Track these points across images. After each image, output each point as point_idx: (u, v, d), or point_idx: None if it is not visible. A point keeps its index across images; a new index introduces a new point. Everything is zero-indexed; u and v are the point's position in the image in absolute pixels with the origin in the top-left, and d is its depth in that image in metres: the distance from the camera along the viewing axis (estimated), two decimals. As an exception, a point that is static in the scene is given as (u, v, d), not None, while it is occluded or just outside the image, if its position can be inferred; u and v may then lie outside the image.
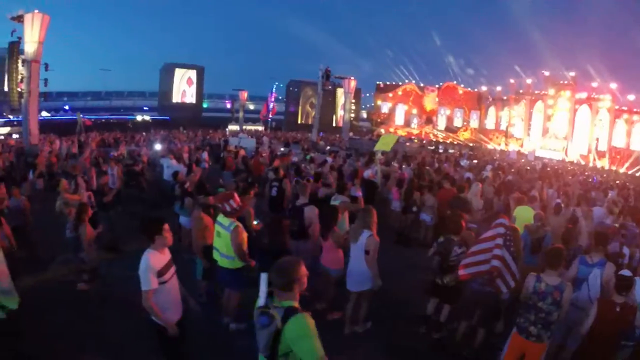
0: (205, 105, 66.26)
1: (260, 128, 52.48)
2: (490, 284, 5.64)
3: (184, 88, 59.90)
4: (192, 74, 59.77)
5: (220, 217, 6.31)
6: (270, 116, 55.20)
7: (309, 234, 7.57)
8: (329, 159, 17.81)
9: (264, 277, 3.36)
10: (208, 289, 7.23)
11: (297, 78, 59.23)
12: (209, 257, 6.64)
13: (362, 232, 6.34)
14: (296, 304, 3.38)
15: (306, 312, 3.32)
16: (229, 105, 63.08)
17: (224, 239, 6.18)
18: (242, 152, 19.28)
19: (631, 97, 40.00)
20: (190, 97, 60.29)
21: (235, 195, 6.45)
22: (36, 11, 21.34)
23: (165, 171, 14.01)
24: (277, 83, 58.20)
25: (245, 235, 6.26)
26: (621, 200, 13.11)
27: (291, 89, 59.90)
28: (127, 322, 6.03)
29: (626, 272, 5.17)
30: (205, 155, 18.56)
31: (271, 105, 52.77)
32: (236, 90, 51.27)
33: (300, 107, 58.99)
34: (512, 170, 20.70)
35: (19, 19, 21.64)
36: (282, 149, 24.23)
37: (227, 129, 48.25)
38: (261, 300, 3.35)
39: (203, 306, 5.84)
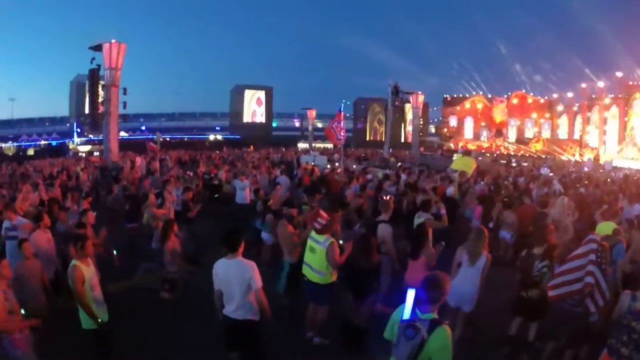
0: (274, 125, 68.56)
1: (330, 146, 53.21)
2: (580, 304, 5.44)
3: (254, 108, 62.43)
4: (262, 94, 62.16)
5: (314, 234, 6.42)
6: (342, 135, 56.01)
7: (381, 251, 7.19)
8: (403, 176, 17.69)
9: (411, 292, 3.57)
10: (290, 304, 7.32)
11: (365, 95, 60.45)
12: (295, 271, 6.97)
13: (481, 254, 6.23)
14: (437, 317, 3.63)
15: (446, 323, 3.59)
16: (297, 124, 65.13)
17: (319, 254, 6.26)
18: (317, 170, 19.14)
19: None
20: (260, 117, 62.71)
21: (321, 212, 6.50)
22: (113, 41, 23.57)
23: (237, 193, 13.72)
24: (344, 101, 59.33)
25: (339, 251, 6.29)
26: None
27: (359, 106, 61.00)
28: (207, 329, 6.33)
29: None
30: (280, 174, 18.18)
31: (342, 124, 53.50)
32: (305, 109, 52.92)
33: (368, 124, 59.96)
34: (586, 182, 19.91)
35: (97, 48, 23.90)
36: (355, 166, 24.38)
37: (298, 147, 49.28)
38: (408, 314, 3.56)
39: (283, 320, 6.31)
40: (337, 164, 24.33)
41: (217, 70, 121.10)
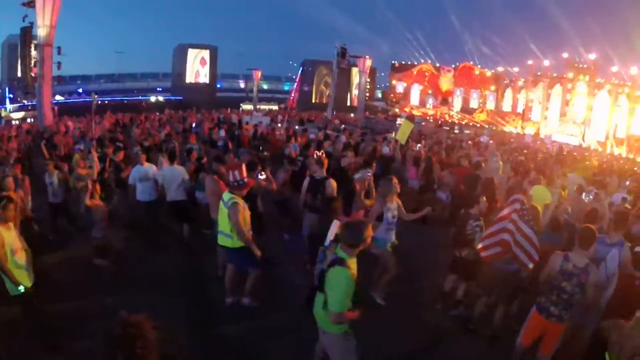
0: (218, 86, 66.09)
1: (275, 107, 52.24)
2: (515, 260, 5.57)
3: (197, 68, 59.18)
4: (206, 54, 59.00)
5: (225, 193, 6.10)
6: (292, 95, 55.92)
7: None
8: (343, 137, 17.91)
9: (335, 223, 4.22)
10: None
11: (312, 57, 58.82)
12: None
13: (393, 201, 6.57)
14: (349, 260, 3.99)
15: (350, 269, 3.93)
16: (242, 85, 63.17)
17: (223, 215, 5.99)
18: (261, 128, 19.34)
19: None
20: (204, 78, 59.73)
21: (244, 167, 6.23)
22: (47, -5, 21.49)
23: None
24: (290, 62, 58.23)
25: (247, 214, 6.03)
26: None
27: (305, 68, 59.43)
28: (143, 297, 6.04)
29: None
30: (222, 133, 18.46)
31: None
32: (250, 69, 51.14)
33: (314, 87, 58.24)
34: (525, 152, 21.08)
35: (30, 4, 22.05)
36: (296, 127, 24.48)
37: (240, 109, 48.08)
38: (326, 241, 4.21)
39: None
40: (279, 124, 24.37)
41: (161, 28, 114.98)
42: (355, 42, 67.04)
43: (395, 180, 6.81)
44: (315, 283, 4.20)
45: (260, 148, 14.96)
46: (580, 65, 41.51)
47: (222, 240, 6.13)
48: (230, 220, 5.86)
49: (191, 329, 5.98)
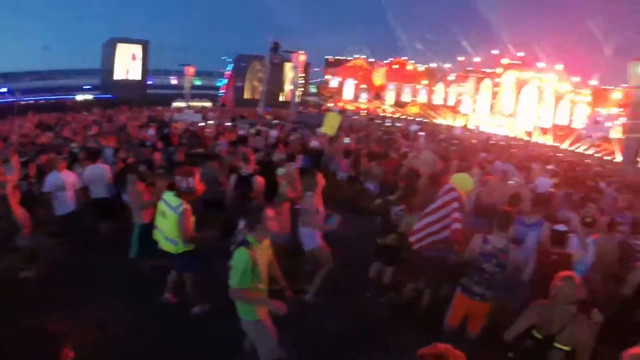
0: (150, 82, 63.52)
1: (208, 104, 50.94)
2: (446, 248, 5.83)
3: (127, 64, 56.32)
4: (137, 49, 56.12)
5: (168, 195, 5.81)
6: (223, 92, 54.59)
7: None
8: (275, 132, 17.82)
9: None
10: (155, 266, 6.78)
11: (246, 52, 57.58)
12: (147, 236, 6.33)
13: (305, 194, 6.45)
14: (254, 243, 4.26)
15: (252, 251, 4.18)
16: (175, 82, 60.95)
17: (170, 220, 5.70)
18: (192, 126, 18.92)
19: (575, 79, 41.49)
20: (135, 74, 57.10)
21: (197, 174, 6.03)
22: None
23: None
24: (224, 57, 56.94)
25: (193, 219, 5.85)
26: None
27: (239, 64, 58.12)
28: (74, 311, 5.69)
29: (561, 227, 5.50)
30: (151, 132, 17.55)
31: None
32: (182, 65, 49.54)
33: (247, 82, 57.07)
34: (455, 142, 21.73)
35: None
36: (227, 124, 23.74)
37: (172, 106, 46.19)
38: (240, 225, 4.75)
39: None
40: (210, 122, 23.63)
41: (91, 22, 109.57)
42: (291, 37, 66.37)
43: (318, 174, 6.68)
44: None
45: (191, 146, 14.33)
46: (509, 62, 44.32)
47: (166, 246, 5.85)
48: (180, 227, 5.65)
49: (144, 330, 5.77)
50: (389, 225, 6.77)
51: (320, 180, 6.54)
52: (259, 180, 7.51)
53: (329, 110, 38.58)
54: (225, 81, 56.45)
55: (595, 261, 5.81)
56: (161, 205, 5.82)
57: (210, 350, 5.45)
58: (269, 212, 4.35)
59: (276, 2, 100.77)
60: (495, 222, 5.28)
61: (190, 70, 48.01)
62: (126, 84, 54.65)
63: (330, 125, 13.75)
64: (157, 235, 5.91)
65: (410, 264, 6.64)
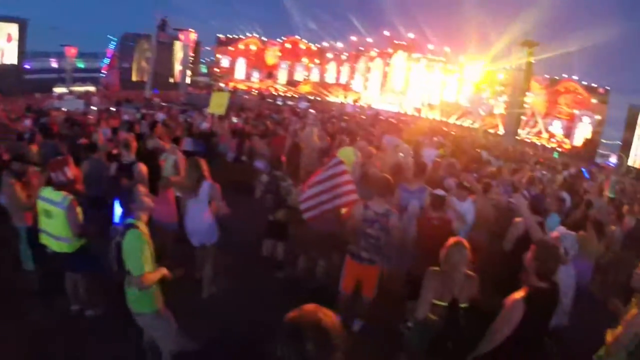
0: (27, 67, 57.47)
1: (92, 88, 47.28)
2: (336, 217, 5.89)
3: (2, 46, 49.90)
4: (12, 28, 49.08)
5: (47, 192, 5.18)
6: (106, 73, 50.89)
7: None
8: (161, 115, 17.13)
9: (117, 203, 4.36)
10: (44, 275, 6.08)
11: (134, 31, 54.10)
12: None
13: (201, 183, 5.96)
14: (138, 223, 4.03)
15: (141, 230, 3.98)
16: (55, 65, 56.18)
17: (57, 217, 5.09)
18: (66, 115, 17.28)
19: (461, 58, 45.91)
20: (11, 57, 50.35)
21: (71, 162, 5.56)
22: None
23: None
24: (109, 36, 53.35)
25: (80, 210, 5.27)
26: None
27: (125, 43, 54.39)
28: None
29: (439, 192, 5.82)
30: (28, 122, 15.92)
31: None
32: (63, 46, 45.76)
33: (135, 63, 53.51)
34: (346, 118, 22.60)
35: None
36: (111, 109, 22.31)
37: (53, 93, 42.34)
38: (117, 219, 4.33)
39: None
40: (94, 107, 22.41)
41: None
42: (180, 15, 63.68)
43: (201, 160, 6.26)
44: (115, 266, 4.08)
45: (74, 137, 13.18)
46: (400, 42, 47.51)
47: (59, 247, 5.20)
48: (69, 221, 5.07)
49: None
50: (279, 201, 6.77)
51: (203, 165, 6.17)
52: (142, 168, 6.89)
53: (220, 90, 37.92)
54: (107, 61, 52.54)
55: (475, 221, 6.28)
56: (42, 205, 5.17)
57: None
58: (140, 188, 4.21)
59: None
60: (375, 189, 5.48)
61: (72, 51, 44.79)
62: (1, 68, 48.98)
63: (217, 104, 13.29)
64: (45, 239, 5.26)
65: (300, 238, 6.81)
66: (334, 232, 6.09)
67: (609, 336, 4.26)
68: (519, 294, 3.52)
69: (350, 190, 5.74)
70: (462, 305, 4.00)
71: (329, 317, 1.93)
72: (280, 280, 6.85)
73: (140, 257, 3.89)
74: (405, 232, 5.87)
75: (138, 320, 4.26)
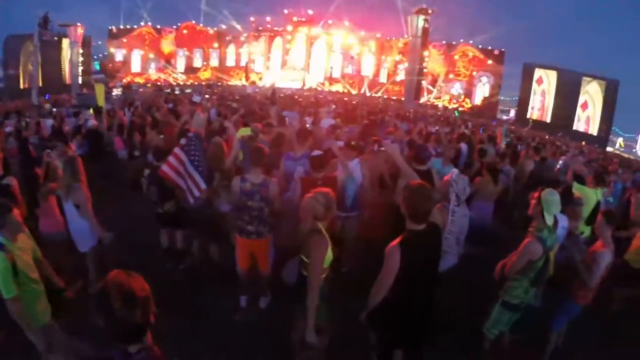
0: None
1: None
2: (181, 194, 5.90)
3: None
4: None
5: None
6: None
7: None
8: (49, 121, 15.69)
9: None
10: None
11: (17, 32, 49.16)
12: None
13: (73, 187, 5.75)
14: (8, 243, 3.80)
15: (4, 251, 3.71)
16: None
17: None
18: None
19: (361, 32, 47.27)
20: None
21: None
22: None
23: None
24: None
25: None
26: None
27: (10, 47, 49.45)
28: None
29: (316, 152, 5.92)
30: None
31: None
32: None
33: (21, 68, 48.91)
34: (237, 97, 23.79)
35: None
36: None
37: None
38: None
39: None
40: None
41: None
42: (66, 10, 59.53)
43: (74, 162, 5.98)
44: None
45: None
46: (299, 19, 47.75)
47: None
48: None
49: None
50: (164, 192, 6.50)
51: (78, 166, 5.99)
52: (13, 182, 6.57)
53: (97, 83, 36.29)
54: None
55: (366, 177, 6.42)
56: None
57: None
58: (10, 205, 3.95)
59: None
60: (250, 159, 5.49)
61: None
62: None
63: (100, 99, 12.65)
64: None
65: (190, 221, 6.70)
66: (209, 213, 6.24)
67: (507, 265, 4.63)
68: (395, 241, 3.49)
69: (167, 162, 5.76)
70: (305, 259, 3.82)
71: (132, 278, 2.09)
72: (182, 272, 6.80)
73: (5, 280, 3.72)
74: (294, 197, 5.89)
75: (29, 335, 4.06)
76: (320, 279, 3.72)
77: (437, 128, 16.65)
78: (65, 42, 42.43)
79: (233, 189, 5.34)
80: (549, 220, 4.33)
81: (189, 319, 5.57)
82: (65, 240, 6.11)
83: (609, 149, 39.15)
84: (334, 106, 16.77)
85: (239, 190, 5.25)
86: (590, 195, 6.69)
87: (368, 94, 45.17)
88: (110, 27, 48.66)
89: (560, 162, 10.91)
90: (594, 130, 38.43)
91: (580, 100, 39.14)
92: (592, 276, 4.70)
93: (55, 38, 41.22)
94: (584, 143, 32.39)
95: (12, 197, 5.95)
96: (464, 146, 11.03)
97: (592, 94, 38.60)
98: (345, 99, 31.35)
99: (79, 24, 34.61)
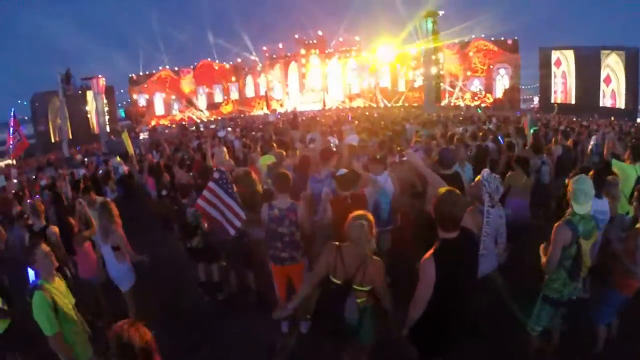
0: None
1: (10, 162, 44.11)
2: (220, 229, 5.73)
3: None
4: None
5: None
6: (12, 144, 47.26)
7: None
8: (81, 171, 16.67)
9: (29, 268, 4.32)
10: None
11: (42, 90, 50.60)
12: None
13: (111, 229, 5.90)
14: (45, 284, 3.99)
15: (44, 290, 3.91)
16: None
17: None
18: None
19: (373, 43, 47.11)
20: None
21: None
22: None
23: None
24: (20, 101, 50.15)
25: None
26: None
27: (36, 104, 51.17)
28: None
29: (341, 172, 5.75)
30: None
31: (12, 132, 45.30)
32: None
33: (50, 123, 50.78)
34: (260, 126, 23.42)
35: None
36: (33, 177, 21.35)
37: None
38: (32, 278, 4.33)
39: None
40: (15, 180, 20.94)
41: None
42: (85, 64, 61.28)
43: (108, 206, 6.13)
44: None
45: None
46: (310, 42, 48.18)
47: None
48: None
49: None
50: (188, 228, 6.67)
51: (112, 210, 6.07)
52: (54, 230, 6.72)
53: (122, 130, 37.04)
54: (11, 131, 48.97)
55: (400, 190, 6.35)
56: None
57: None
58: (43, 247, 4.13)
59: (64, 28, 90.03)
60: (275, 186, 5.45)
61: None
62: None
63: (128, 145, 12.95)
64: None
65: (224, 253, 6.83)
66: (240, 243, 6.28)
67: (542, 257, 4.40)
68: (428, 252, 3.39)
69: (202, 196, 5.62)
70: (359, 288, 3.77)
71: (134, 328, 2.16)
72: (220, 302, 6.85)
73: (45, 319, 3.85)
74: (322, 218, 5.83)
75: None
76: (422, 299, 3.52)
77: (461, 128, 16.20)
78: (89, 94, 43.46)
79: (262, 217, 5.32)
80: (580, 210, 4.14)
81: (232, 349, 5.63)
82: (102, 282, 6.36)
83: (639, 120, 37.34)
84: (356, 122, 16.53)
85: (267, 218, 5.25)
86: (630, 172, 6.40)
87: (388, 105, 44.87)
88: (130, 75, 50.26)
89: (592, 142, 10.48)
90: (621, 103, 36.73)
91: (603, 75, 37.55)
92: (637, 262, 4.32)
93: (80, 92, 42.02)
94: (612, 118, 30.90)
95: (54, 245, 6.14)
96: (491, 144, 10.78)
97: (612, 66, 37.00)
98: (367, 113, 31.25)
99: (99, 76, 35.32)
